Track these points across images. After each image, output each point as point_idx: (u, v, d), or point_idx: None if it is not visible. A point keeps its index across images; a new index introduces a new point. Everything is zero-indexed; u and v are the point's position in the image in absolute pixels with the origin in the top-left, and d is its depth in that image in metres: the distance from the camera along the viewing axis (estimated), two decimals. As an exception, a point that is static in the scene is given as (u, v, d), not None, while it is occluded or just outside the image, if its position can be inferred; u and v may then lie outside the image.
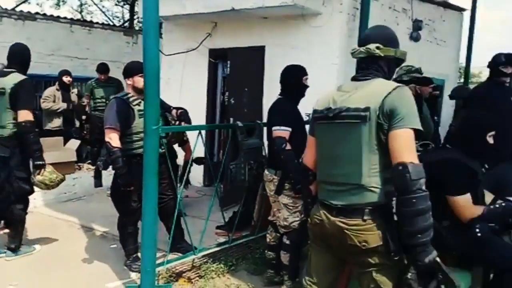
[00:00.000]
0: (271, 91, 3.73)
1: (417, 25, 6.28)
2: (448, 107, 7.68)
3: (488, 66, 4.22)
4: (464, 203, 2.51)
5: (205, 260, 3.63)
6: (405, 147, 1.68)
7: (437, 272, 1.70)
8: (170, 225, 3.42)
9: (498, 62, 4.12)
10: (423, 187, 1.65)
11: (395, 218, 1.76)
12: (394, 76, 4.44)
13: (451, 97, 6.92)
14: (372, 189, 1.75)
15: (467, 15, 8.09)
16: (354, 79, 1.94)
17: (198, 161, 4.50)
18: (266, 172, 3.34)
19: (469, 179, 2.58)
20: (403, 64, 4.48)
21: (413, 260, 1.70)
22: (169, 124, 3.75)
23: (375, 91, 1.77)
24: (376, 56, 1.86)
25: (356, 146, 1.77)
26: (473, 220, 2.47)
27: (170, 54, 6.33)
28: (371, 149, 1.75)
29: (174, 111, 3.82)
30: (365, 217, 1.76)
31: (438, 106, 7.71)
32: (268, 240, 3.48)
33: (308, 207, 2.11)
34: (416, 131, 1.71)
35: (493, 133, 2.61)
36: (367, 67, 1.90)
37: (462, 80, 10.10)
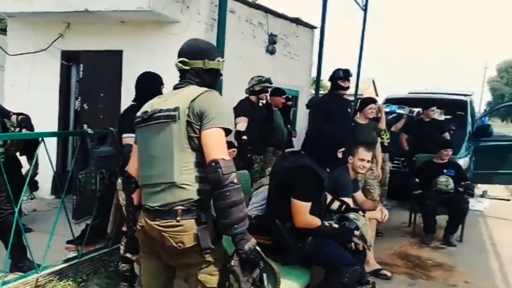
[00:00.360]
0: (130, 97, 3.67)
1: (272, 39, 6.70)
2: (303, 116, 8.30)
3: (329, 80, 4.67)
4: (302, 209, 2.75)
5: (50, 278, 3.35)
6: (216, 145, 1.80)
7: (258, 261, 1.83)
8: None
9: (336, 76, 4.56)
10: (235, 180, 1.78)
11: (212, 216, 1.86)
12: (247, 86, 4.75)
13: (307, 106, 7.50)
14: (185, 186, 1.82)
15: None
16: (173, 87, 2.04)
17: (32, 184, 4.15)
18: (119, 180, 3.23)
19: (316, 187, 2.85)
20: (255, 75, 4.81)
21: (235, 250, 1.80)
22: (8, 131, 3.40)
23: (186, 95, 1.89)
24: (182, 69, 2.00)
25: (167, 144, 1.84)
26: (308, 232, 2.75)
27: (16, 54, 5.76)
28: (182, 147, 1.83)
29: (14, 117, 3.48)
30: (178, 218, 1.81)
31: (293, 115, 8.33)
32: (122, 251, 3.37)
33: (130, 217, 2.10)
34: (226, 130, 1.85)
35: (343, 149, 2.94)
36: (182, 77, 2.03)
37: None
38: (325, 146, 2.92)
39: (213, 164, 1.75)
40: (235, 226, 1.76)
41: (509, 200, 7.66)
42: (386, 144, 5.69)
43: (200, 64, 1.99)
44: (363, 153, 3.71)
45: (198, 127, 1.82)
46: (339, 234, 2.91)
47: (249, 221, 3.18)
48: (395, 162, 6.49)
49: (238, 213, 1.77)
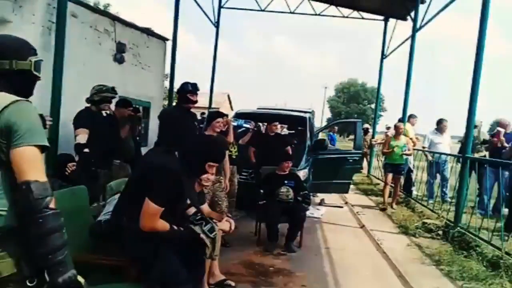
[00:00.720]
0: None
1: (120, 48, 6.45)
2: (156, 127, 8.12)
3: (177, 93, 4.66)
4: (153, 212, 2.62)
5: None
6: (28, 165, 1.59)
7: None
8: None
9: (185, 90, 4.58)
10: (51, 205, 1.60)
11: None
12: (87, 96, 4.48)
13: (159, 118, 7.36)
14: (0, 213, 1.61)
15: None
16: None
17: None
18: None
19: (176, 195, 2.75)
20: (95, 84, 4.56)
21: (47, 283, 1.62)
22: None
23: None
24: None
25: None
26: (153, 235, 2.64)
27: None
28: None
29: None
30: None
31: (145, 126, 8.12)
32: None
33: None
34: (41, 147, 1.64)
35: (210, 164, 2.92)
36: None
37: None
38: (195, 160, 2.87)
39: (24, 187, 1.55)
40: (50, 256, 1.58)
41: (342, 207, 8.54)
42: (234, 156, 5.88)
43: (6, 65, 1.70)
44: (208, 166, 3.76)
45: (6, 145, 1.58)
46: (185, 236, 2.86)
47: (98, 227, 3.00)
48: (243, 174, 6.72)
49: (56, 241, 1.59)
